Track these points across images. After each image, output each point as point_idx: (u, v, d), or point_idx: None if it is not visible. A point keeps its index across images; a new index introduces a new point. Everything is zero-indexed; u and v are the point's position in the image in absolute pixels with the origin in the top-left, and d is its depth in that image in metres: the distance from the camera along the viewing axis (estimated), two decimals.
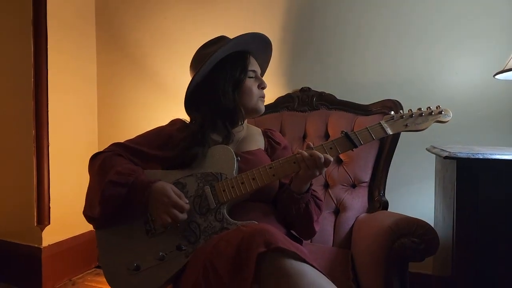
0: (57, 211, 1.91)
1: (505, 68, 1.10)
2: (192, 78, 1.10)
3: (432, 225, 1.38)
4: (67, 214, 1.97)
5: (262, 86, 1.14)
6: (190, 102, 1.14)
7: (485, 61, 1.51)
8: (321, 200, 1.09)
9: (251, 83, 1.11)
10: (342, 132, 1.00)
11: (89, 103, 2.14)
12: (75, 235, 2.02)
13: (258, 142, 1.19)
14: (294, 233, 1.13)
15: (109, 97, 2.15)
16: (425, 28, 1.59)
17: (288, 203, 1.04)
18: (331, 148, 0.99)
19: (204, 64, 1.07)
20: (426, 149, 1.36)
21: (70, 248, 1.98)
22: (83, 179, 2.02)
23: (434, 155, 1.43)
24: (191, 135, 1.06)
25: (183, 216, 0.93)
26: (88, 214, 1.00)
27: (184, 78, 1.96)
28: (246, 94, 1.10)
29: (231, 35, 1.13)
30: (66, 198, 1.97)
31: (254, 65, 1.14)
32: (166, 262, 0.93)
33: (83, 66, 2.10)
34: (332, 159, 0.97)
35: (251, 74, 1.12)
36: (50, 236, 1.88)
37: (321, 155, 0.94)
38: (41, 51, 1.83)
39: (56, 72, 1.90)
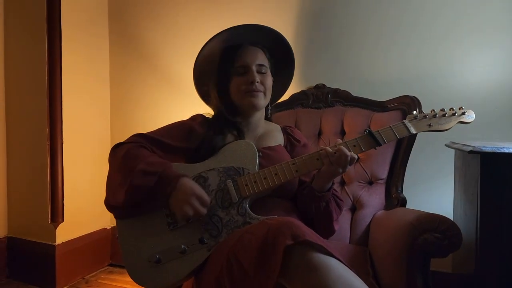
0: (70, 209, 1.92)
1: None
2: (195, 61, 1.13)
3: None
4: (81, 212, 1.98)
5: (249, 80, 1.05)
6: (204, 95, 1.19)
7: (501, 55, 1.49)
8: (341, 200, 1.08)
9: (238, 81, 1.07)
10: (365, 130, 0.99)
11: (102, 103, 2.15)
12: (88, 232, 2.03)
13: (277, 138, 1.18)
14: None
15: (122, 96, 2.16)
16: (441, 24, 1.57)
17: (309, 200, 1.03)
18: (354, 146, 0.98)
19: (198, 56, 1.11)
20: (445, 145, 1.35)
21: (84, 245, 1.99)
22: (97, 177, 2.06)
23: (452, 152, 1.42)
24: (212, 126, 1.07)
25: (204, 210, 0.93)
26: (111, 203, 0.99)
27: None
28: (234, 92, 1.09)
29: None
30: (80, 195, 1.97)
31: (246, 57, 1.07)
32: (188, 255, 0.93)
33: (97, 66, 2.11)
34: (356, 156, 0.96)
35: (239, 70, 1.07)
36: (63, 234, 1.89)
37: (348, 153, 0.93)
38: (55, 51, 1.84)
39: (70, 72, 1.92)
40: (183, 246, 0.93)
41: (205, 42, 1.11)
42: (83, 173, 2.00)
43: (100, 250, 2.09)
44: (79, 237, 1.97)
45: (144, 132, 1.09)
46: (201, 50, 1.10)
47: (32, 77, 1.87)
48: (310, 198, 1.03)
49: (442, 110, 0.99)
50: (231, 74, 1.08)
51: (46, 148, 1.85)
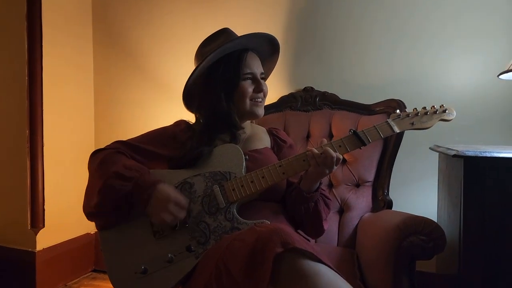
0: (52, 214, 1.86)
1: (510, 68, 1.11)
2: (188, 79, 1.07)
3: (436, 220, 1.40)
4: (63, 216, 1.92)
5: (258, 89, 1.07)
6: (190, 100, 1.12)
7: (485, 60, 1.53)
8: (329, 199, 1.08)
9: (246, 86, 1.05)
10: (350, 130, 1.00)
11: (86, 103, 2.10)
12: (71, 238, 1.97)
13: (264, 140, 1.17)
14: (301, 232, 1.11)
15: (107, 97, 2.11)
16: (427, 29, 1.60)
17: (297, 201, 1.03)
18: (340, 146, 0.99)
19: (199, 66, 1.04)
20: (430, 148, 1.37)
21: (66, 251, 1.93)
22: (79, 180, 1.99)
23: (436, 154, 1.44)
24: (198, 135, 1.04)
25: (183, 213, 0.91)
26: (87, 209, 0.97)
27: (185, 77, 1.94)
28: (239, 97, 1.06)
29: (233, 31, 1.11)
30: (62, 199, 1.92)
31: (252, 66, 1.07)
32: (175, 264, 0.91)
33: (80, 66, 2.05)
34: (341, 157, 0.96)
35: (247, 76, 1.06)
36: (44, 240, 1.83)
37: (334, 154, 0.93)
38: (35, 50, 1.78)
39: (51, 71, 1.86)
40: (170, 255, 0.91)
41: (203, 43, 1.11)
42: (66, 176, 1.94)
43: (83, 255, 2.03)
44: (61, 242, 1.92)
45: (126, 139, 1.06)
46: (200, 62, 1.05)
47: (11, 77, 1.81)
48: (298, 199, 1.02)
49: (424, 108, 1.00)
50: (240, 79, 1.05)
51: (26, 150, 1.79)
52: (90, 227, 2.08)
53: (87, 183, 0.99)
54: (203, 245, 0.92)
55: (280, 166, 0.98)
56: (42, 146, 1.82)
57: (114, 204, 0.92)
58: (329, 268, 0.73)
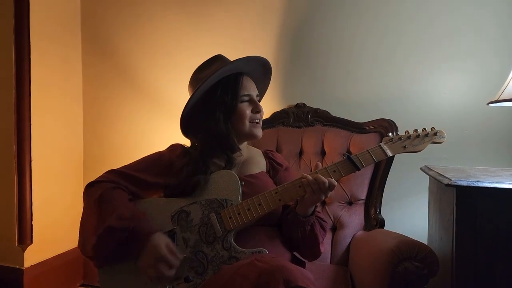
0: (40, 229, 1.82)
1: (499, 98, 1.15)
2: (185, 105, 1.07)
3: (426, 241, 1.43)
4: (51, 232, 1.88)
5: (256, 110, 1.09)
6: (187, 126, 1.11)
7: (472, 80, 1.57)
8: (325, 222, 1.10)
9: (244, 108, 1.07)
10: (344, 155, 1.01)
11: (74, 117, 2.06)
12: (59, 253, 1.93)
13: (259, 164, 1.18)
14: (297, 255, 1.12)
15: (96, 110, 2.07)
16: (417, 50, 1.63)
17: (294, 225, 1.04)
18: (334, 171, 1.00)
19: (196, 91, 1.05)
20: (421, 169, 1.40)
21: (55, 267, 1.89)
22: (68, 195, 1.97)
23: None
24: (193, 163, 1.03)
25: (171, 273, 0.88)
26: (83, 253, 0.97)
27: (177, 90, 1.95)
28: (238, 120, 1.07)
29: (224, 49, 1.13)
30: (50, 215, 1.88)
31: (248, 88, 1.09)
32: None
33: (69, 78, 2.01)
34: (336, 183, 0.97)
35: (244, 98, 1.07)
36: (32, 256, 1.79)
37: (326, 180, 0.94)
38: (23, 62, 1.74)
39: (40, 84, 1.82)
40: (168, 286, 0.90)
41: (198, 70, 1.11)
42: (54, 191, 1.90)
43: (72, 270, 2.00)
44: (49, 258, 1.88)
45: (119, 168, 1.05)
46: (199, 85, 1.05)
47: None
48: (294, 223, 1.03)
49: (416, 131, 1.02)
50: (238, 101, 1.06)
51: (13, 166, 1.75)
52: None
53: (82, 216, 0.98)
54: (201, 275, 0.92)
55: (276, 193, 0.99)
56: (30, 161, 1.78)
57: (108, 255, 0.91)
58: None
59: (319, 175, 0.96)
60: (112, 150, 2.02)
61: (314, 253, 1.09)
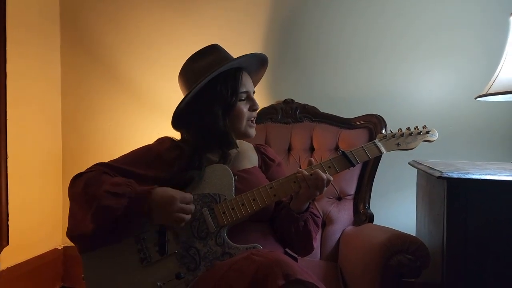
0: (17, 230, 1.73)
1: (487, 92, 1.17)
2: (183, 99, 1.02)
3: (415, 234, 1.45)
4: (29, 233, 1.80)
5: (253, 107, 1.06)
6: (179, 119, 1.06)
7: (459, 75, 1.61)
8: (318, 217, 1.09)
9: (242, 106, 1.04)
10: (339, 151, 1.01)
11: (53, 112, 1.97)
12: (37, 254, 1.85)
13: (252, 159, 1.15)
14: (289, 251, 1.11)
15: (75, 104, 1.99)
16: (401, 46, 1.66)
17: (287, 221, 1.02)
18: (329, 167, 0.99)
19: (196, 86, 1.00)
20: (409, 163, 1.41)
21: (33, 269, 1.81)
22: (47, 194, 1.89)
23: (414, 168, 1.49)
24: (186, 157, 1.00)
25: (193, 206, 0.91)
26: (75, 233, 0.92)
27: (160, 84, 1.90)
28: (236, 117, 1.04)
29: (211, 42, 1.08)
30: (28, 214, 1.79)
31: (246, 85, 1.05)
32: None
33: (47, 71, 1.92)
34: (332, 178, 0.97)
35: (242, 95, 1.04)
36: (9, 258, 1.70)
37: (324, 176, 0.93)
38: None
39: (16, 78, 1.72)
40: (158, 283, 0.87)
41: (193, 60, 1.06)
42: (31, 190, 1.82)
43: (50, 272, 1.91)
44: (27, 260, 1.79)
45: (107, 161, 1.01)
46: (198, 82, 1.00)
47: None
48: (288, 219, 1.02)
49: (408, 129, 1.03)
50: (237, 99, 1.02)
51: None
52: (58, 242, 1.97)
53: (69, 208, 0.93)
54: (193, 272, 0.89)
55: (271, 188, 0.97)
56: (6, 159, 1.69)
57: (111, 224, 0.87)
58: None
59: (318, 170, 0.95)
60: (93, 145, 1.95)
61: (307, 249, 1.08)
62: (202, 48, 1.08)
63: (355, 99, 1.69)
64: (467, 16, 1.60)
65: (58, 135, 2.00)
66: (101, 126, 1.96)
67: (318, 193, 0.96)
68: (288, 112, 1.65)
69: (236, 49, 1.08)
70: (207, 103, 1.01)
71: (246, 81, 1.06)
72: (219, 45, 1.09)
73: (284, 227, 1.04)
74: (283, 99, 1.69)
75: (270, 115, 1.66)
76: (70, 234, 0.94)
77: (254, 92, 1.10)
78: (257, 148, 1.20)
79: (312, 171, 0.95)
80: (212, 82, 1.01)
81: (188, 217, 0.89)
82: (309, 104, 1.65)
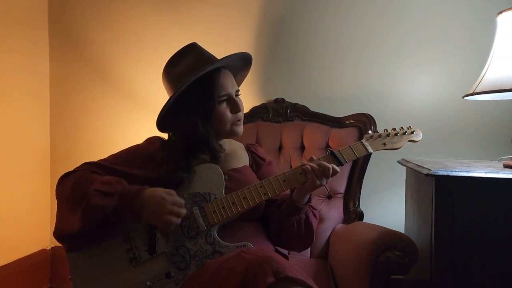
0: (2, 231, 1.69)
1: (475, 91, 1.19)
2: (162, 108, 1.00)
3: (404, 232, 1.47)
4: (15, 233, 1.76)
5: (235, 110, 1.03)
6: (163, 125, 1.05)
7: (446, 74, 1.63)
8: (316, 210, 1.10)
9: (223, 110, 1.01)
10: (327, 150, 1.03)
11: (41, 107, 1.93)
12: (24, 255, 1.81)
13: (242, 158, 1.15)
14: (279, 249, 1.11)
15: (64, 101, 1.96)
16: (387, 45, 1.68)
17: (289, 214, 1.02)
18: None
19: (174, 95, 0.97)
20: (398, 162, 1.43)
21: (19, 271, 1.77)
22: (33, 194, 1.86)
23: (403, 166, 1.51)
24: (175, 159, 0.99)
25: (184, 210, 0.90)
26: (63, 231, 0.91)
27: (149, 82, 1.88)
28: (218, 122, 1.02)
29: (201, 43, 1.06)
30: (14, 215, 1.75)
31: (227, 86, 1.01)
32: None
33: (35, 68, 1.88)
34: (338, 169, 0.98)
35: (222, 98, 1.00)
36: None
37: (330, 166, 0.95)
38: None
39: (2, 70, 1.69)
40: (148, 282, 0.87)
41: (172, 64, 1.04)
42: (18, 189, 1.78)
43: (38, 274, 1.88)
44: (13, 261, 1.75)
45: (96, 161, 1.00)
46: (176, 92, 0.98)
47: None
48: (291, 211, 1.02)
49: (394, 129, 1.06)
50: (215, 103, 1.00)
51: None
52: (45, 242, 1.93)
53: (57, 207, 0.92)
54: (183, 271, 0.88)
55: (261, 186, 0.97)
56: None
57: (99, 224, 0.87)
58: None
59: (322, 161, 0.97)
60: (82, 144, 1.93)
61: (307, 242, 1.08)
62: (180, 49, 1.05)
63: (345, 98, 1.71)
64: (455, 13, 1.62)
65: (46, 132, 1.96)
66: (90, 125, 1.93)
67: (324, 183, 0.97)
68: (279, 111, 1.65)
69: (225, 48, 1.06)
70: (185, 109, 1.00)
71: (226, 83, 1.02)
72: (197, 44, 1.06)
73: (284, 221, 1.03)
74: (274, 98, 1.69)
75: (261, 114, 1.66)
76: (57, 233, 0.93)
77: (238, 91, 1.07)
78: (248, 148, 1.20)
79: (319, 162, 0.97)
80: (188, 88, 0.98)
81: (178, 220, 0.88)
82: (300, 103, 1.66)
